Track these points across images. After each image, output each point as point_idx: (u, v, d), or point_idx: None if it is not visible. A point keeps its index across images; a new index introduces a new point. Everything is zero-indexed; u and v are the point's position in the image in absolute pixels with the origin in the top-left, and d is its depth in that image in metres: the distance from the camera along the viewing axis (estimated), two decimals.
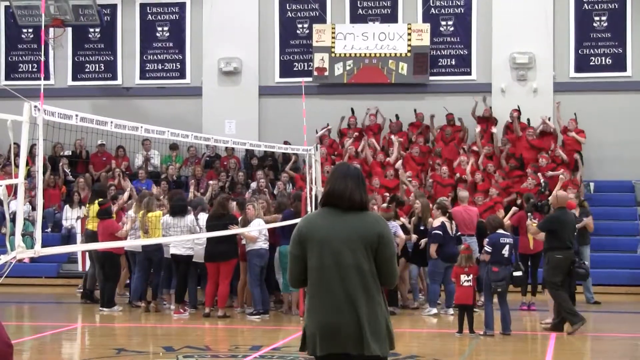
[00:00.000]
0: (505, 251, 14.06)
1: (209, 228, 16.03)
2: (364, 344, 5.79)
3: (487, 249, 14.09)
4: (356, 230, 5.86)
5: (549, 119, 23.56)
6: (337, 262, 5.83)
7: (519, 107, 23.72)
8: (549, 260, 14.40)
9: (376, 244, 5.86)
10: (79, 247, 16.92)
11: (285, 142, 22.22)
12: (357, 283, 5.82)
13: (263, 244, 16.18)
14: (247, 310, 16.45)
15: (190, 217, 16.67)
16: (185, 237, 16.24)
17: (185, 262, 16.67)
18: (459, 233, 16.72)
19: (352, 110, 24.71)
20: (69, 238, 21.54)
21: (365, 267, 5.83)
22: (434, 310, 16.45)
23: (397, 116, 24.53)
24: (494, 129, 23.44)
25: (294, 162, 23.96)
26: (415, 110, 24.49)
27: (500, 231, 14.27)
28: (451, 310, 16.28)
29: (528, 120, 23.73)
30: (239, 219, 16.43)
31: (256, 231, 16.01)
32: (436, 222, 16.46)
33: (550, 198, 15.74)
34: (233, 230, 15.77)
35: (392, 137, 23.64)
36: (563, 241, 14.35)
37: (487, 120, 23.90)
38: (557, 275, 14.27)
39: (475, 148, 23.21)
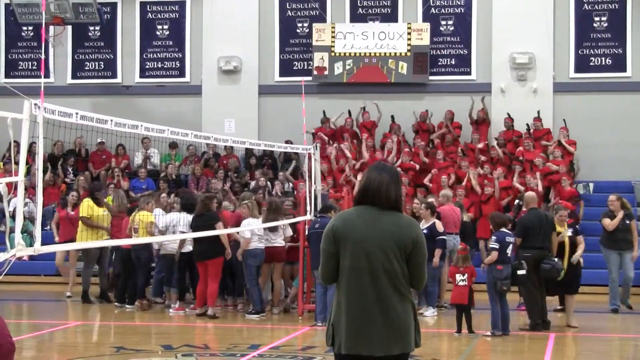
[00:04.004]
0: (509, 250, 14.11)
1: (194, 228, 15.98)
2: (390, 345, 5.86)
3: (495, 245, 14.05)
4: (391, 233, 5.89)
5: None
6: (370, 264, 5.86)
7: (509, 114, 23.78)
8: (518, 259, 14.56)
9: (410, 248, 5.90)
10: (78, 245, 16.91)
11: (287, 141, 22.18)
12: (388, 285, 5.86)
13: (258, 244, 16.15)
14: (247, 310, 16.46)
15: None
16: (175, 237, 16.23)
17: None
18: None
19: (350, 112, 24.72)
20: None
21: (397, 270, 5.88)
22: (435, 312, 16.44)
23: (392, 117, 24.52)
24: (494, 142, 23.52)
25: (295, 167, 23.84)
26: (417, 113, 24.47)
27: (504, 230, 14.29)
28: (430, 311, 16.34)
29: (527, 125, 23.74)
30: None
31: (248, 233, 16.00)
32: (439, 227, 16.39)
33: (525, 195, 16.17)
34: (223, 230, 15.71)
35: (390, 138, 23.63)
36: (531, 240, 14.62)
37: (482, 123, 23.93)
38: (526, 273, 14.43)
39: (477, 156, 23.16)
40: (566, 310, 15.48)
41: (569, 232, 15.28)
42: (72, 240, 17.80)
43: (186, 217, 16.68)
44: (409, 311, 5.93)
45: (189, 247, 16.67)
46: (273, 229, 16.42)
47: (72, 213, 19.06)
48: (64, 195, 19.61)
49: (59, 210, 19.25)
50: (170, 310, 16.82)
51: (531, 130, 23.68)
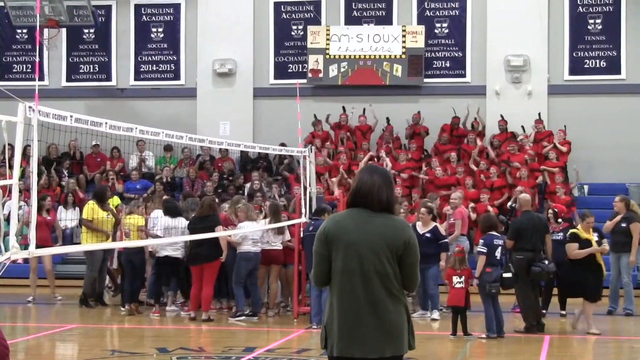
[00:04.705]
0: (498, 253, 14.10)
1: (193, 230, 15.78)
2: (383, 348, 5.84)
3: (482, 249, 14.06)
4: (383, 235, 5.87)
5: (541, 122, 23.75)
6: (362, 266, 5.85)
7: (502, 116, 23.85)
8: (512, 261, 14.57)
9: (402, 250, 5.88)
10: (73, 248, 16.89)
11: (282, 144, 22.16)
12: (380, 287, 5.84)
13: (251, 247, 16.13)
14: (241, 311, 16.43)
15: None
16: (175, 239, 16.16)
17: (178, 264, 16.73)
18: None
19: (344, 108, 24.73)
20: (63, 239, 21.48)
21: (390, 272, 5.86)
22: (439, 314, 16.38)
23: (387, 119, 24.54)
24: (480, 142, 23.56)
25: (288, 164, 23.94)
26: (419, 112, 24.51)
27: (493, 232, 14.29)
28: (436, 314, 16.25)
29: (522, 127, 23.76)
30: None
31: (238, 236, 15.94)
32: (442, 230, 16.33)
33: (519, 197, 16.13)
34: (216, 234, 15.61)
35: (381, 152, 23.61)
36: (524, 243, 14.60)
37: (475, 132, 24.01)
38: (519, 275, 14.40)
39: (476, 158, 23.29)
40: (577, 313, 15.20)
41: (595, 237, 14.89)
42: (47, 245, 17.58)
43: (167, 221, 16.61)
44: (401, 313, 5.91)
45: (163, 252, 16.60)
46: (280, 232, 16.43)
47: (49, 218, 19.20)
48: (39, 200, 19.51)
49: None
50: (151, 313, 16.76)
51: (532, 133, 23.66)
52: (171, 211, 16.75)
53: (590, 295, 14.71)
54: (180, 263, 16.75)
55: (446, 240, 16.26)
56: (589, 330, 14.67)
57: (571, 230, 15.12)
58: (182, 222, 16.55)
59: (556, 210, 17.46)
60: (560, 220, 16.85)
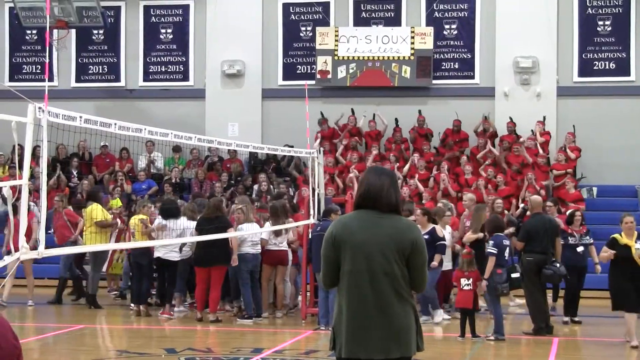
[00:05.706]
0: (506, 253, 14.09)
1: (200, 231, 15.70)
2: (389, 349, 5.82)
3: (493, 250, 14.01)
4: (390, 236, 5.87)
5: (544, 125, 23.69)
6: (370, 267, 5.84)
7: (511, 118, 23.81)
8: (522, 263, 14.58)
9: (409, 250, 5.87)
10: (82, 249, 16.92)
11: (286, 145, 22.13)
12: (388, 288, 5.83)
13: (250, 249, 16.12)
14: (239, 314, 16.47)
15: (180, 221, 16.63)
16: (175, 241, 16.12)
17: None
18: None
19: (352, 110, 24.71)
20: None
21: (397, 273, 5.84)
22: (442, 312, 16.31)
23: (396, 120, 24.52)
24: (489, 146, 23.44)
25: (296, 164, 23.91)
26: (419, 112, 24.50)
27: (500, 234, 14.26)
28: (438, 315, 16.18)
29: (532, 131, 23.69)
30: None
31: (237, 236, 15.94)
32: (439, 232, 16.25)
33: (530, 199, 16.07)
34: (220, 235, 15.35)
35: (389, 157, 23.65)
36: (535, 244, 14.64)
37: (486, 133, 23.96)
38: (528, 277, 14.40)
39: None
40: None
41: (637, 245, 13.40)
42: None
43: (159, 222, 16.60)
44: (409, 314, 5.90)
45: (156, 254, 16.54)
46: (277, 233, 16.43)
47: None
48: (15, 202, 19.41)
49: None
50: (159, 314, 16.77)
51: (537, 135, 23.60)
52: (163, 212, 16.73)
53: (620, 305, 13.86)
54: (175, 265, 16.72)
55: (444, 242, 16.04)
56: (632, 343, 13.78)
57: (612, 235, 13.72)
58: (176, 224, 16.49)
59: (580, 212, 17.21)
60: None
